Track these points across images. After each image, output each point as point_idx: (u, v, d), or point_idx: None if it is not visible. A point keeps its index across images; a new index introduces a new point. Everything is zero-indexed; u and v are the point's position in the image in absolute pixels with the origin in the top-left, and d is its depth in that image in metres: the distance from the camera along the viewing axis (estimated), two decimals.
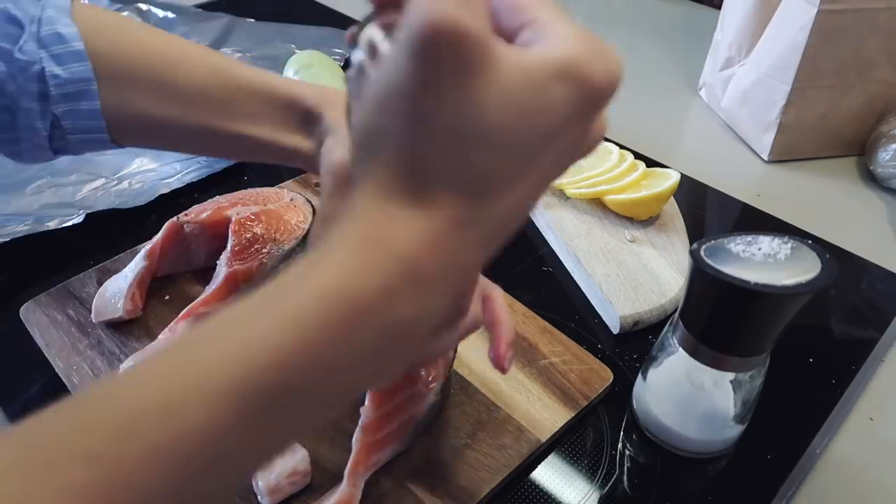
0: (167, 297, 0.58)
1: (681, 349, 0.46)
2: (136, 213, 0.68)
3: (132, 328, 0.56)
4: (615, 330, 0.59)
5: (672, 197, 0.69)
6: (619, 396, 0.54)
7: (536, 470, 0.49)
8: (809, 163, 0.82)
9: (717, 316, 0.43)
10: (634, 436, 0.52)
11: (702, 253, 0.42)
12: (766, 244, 0.42)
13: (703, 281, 0.42)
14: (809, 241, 0.42)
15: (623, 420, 0.53)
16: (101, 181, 0.72)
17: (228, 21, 1.03)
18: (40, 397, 0.52)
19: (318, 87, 0.46)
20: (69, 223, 0.65)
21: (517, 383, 0.52)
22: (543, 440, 0.49)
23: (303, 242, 0.59)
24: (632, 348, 0.58)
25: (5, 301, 0.59)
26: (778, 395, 0.51)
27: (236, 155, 0.55)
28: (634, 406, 0.52)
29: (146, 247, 0.58)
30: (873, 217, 0.75)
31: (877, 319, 0.62)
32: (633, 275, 0.62)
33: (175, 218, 0.59)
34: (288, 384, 0.22)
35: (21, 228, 0.64)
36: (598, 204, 0.69)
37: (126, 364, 0.52)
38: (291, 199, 0.62)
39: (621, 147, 0.73)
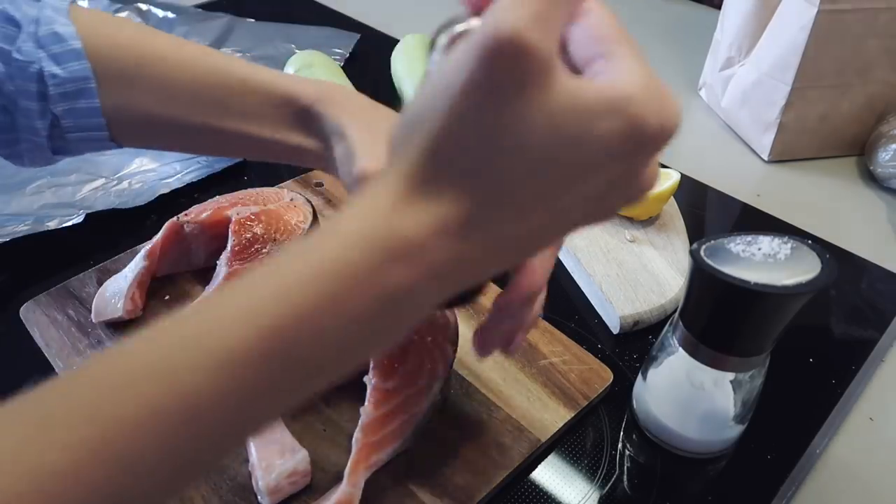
0: (167, 297, 0.58)
1: (681, 349, 0.46)
2: (136, 213, 0.68)
3: (132, 328, 0.56)
4: (615, 330, 0.59)
5: (672, 197, 0.69)
6: (619, 396, 0.54)
7: (536, 470, 0.49)
8: (809, 163, 0.82)
9: (717, 316, 0.43)
10: (634, 436, 0.52)
11: (702, 253, 0.42)
12: (766, 244, 0.42)
13: (703, 281, 0.42)
14: (809, 241, 0.42)
15: (623, 420, 0.53)
16: (101, 181, 0.72)
17: (228, 21, 1.03)
18: None
19: (317, 83, 0.46)
20: (69, 223, 0.65)
21: (517, 383, 0.52)
22: (543, 440, 0.49)
23: None
24: (632, 348, 0.58)
25: (5, 301, 0.59)
26: (778, 395, 0.51)
27: (238, 153, 0.55)
28: (634, 406, 0.52)
29: (146, 247, 0.58)
30: (873, 217, 0.75)
31: (877, 319, 0.62)
32: (633, 275, 0.62)
33: (175, 218, 0.59)
34: (284, 351, 0.23)
35: (21, 228, 0.64)
36: None
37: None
38: (291, 199, 0.62)
39: None
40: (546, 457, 0.50)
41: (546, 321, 0.57)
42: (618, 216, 0.68)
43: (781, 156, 0.82)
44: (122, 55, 0.45)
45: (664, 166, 0.72)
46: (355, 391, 0.48)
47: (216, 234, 0.59)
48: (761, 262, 0.41)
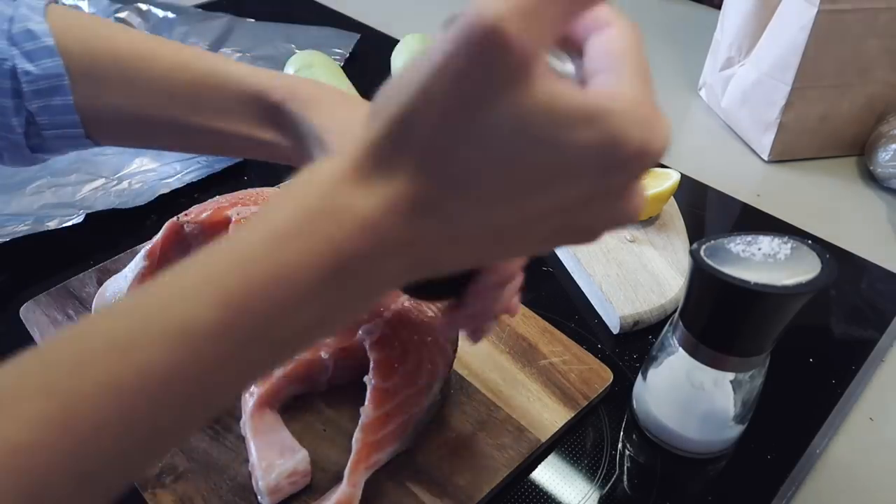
0: None
1: (681, 349, 0.46)
2: (136, 213, 0.68)
3: None
4: (615, 330, 0.59)
5: (672, 197, 0.69)
6: (619, 396, 0.54)
7: (536, 470, 0.49)
8: (809, 163, 0.82)
9: (717, 316, 0.43)
10: (634, 436, 0.52)
11: (702, 253, 0.42)
12: (766, 244, 0.42)
13: (703, 281, 0.42)
14: (809, 241, 0.42)
15: (623, 420, 0.53)
16: (101, 181, 0.72)
17: (228, 21, 1.03)
18: None
19: (286, 79, 0.45)
20: (69, 223, 0.65)
21: (517, 383, 0.52)
22: (543, 440, 0.49)
23: None
24: (632, 348, 0.58)
25: (5, 301, 0.59)
26: (778, 395, 0.51)
27: (210, 150, 0.55)
28: (634, 406, 0.52)
29: (146, 247, 0.58)
30: (873, 217, 0.75)
31: (877, 319, 0.62)
32: (633, 275, 0.62)
33: (175, 218, 0.59)
34: (239, 322, 0.23)
35: (21, 228, 0.64)
36: None
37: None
38: None
39: None
40: (546, 457, 0.50)
41: (546, 321, 0.57)
42: None
43: (781, 156, 0.82)
44: (95, 53, 0.45)
45: (664, 166, 0.72)
46: (355, 391, 0.48)
47: (216, 234, 0.58)
48: (761, 262, 0.41)
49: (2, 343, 0.56)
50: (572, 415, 0.50)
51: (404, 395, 0.47)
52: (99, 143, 0.48)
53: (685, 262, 0.63)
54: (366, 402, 0.46)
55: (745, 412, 0.48)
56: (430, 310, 0.51)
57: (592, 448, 0.50)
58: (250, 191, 0.63)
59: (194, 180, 0.72)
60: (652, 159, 0.23)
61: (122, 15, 0.99)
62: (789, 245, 0.42)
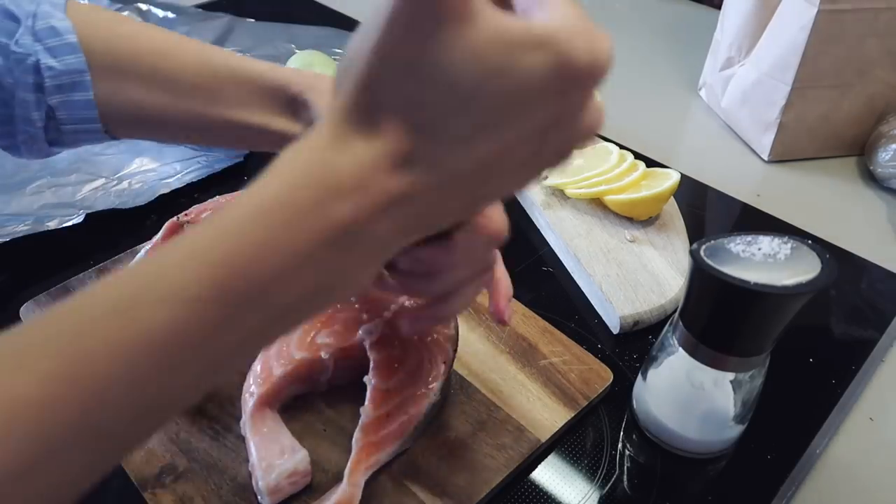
0: None
1: (681, 349, 0.46)
2: (136, 213, 0.68)
3: None
4: (615, 330, 0.59)
5: (672, 197, 0.69)
6: (619, 396, 0.54)
7: (536, 470, 0.49)
8: (809, 163, 0.82)
9: (717, 316, 0.43)
10: (634, 436, 0.52)
11: (702, 253, 0.42)
12: (766, 244, 0.42)
13: (703, 281, 0.42)
14: (809, 241, 0.42)
15: (623, 420, 0.53)
16: (101, 181, 0.72)
17: (228, 21, 1.03)
18: None
19: (305, 73, 0.47)
20: (69, 223, 0.65)
21: (517, 383, 0.52)
22: (543, 440, 0.49)
23: None
24: (632, 348, 0.58)
25: (5, 301, 0.59)
26: (778, 395, 0.51)
27: (228, 142, 0.56)
28: (634, 406, 0.52)
29: (146, 247, 0.58)
30: (873, 217, 0.75)
31: (877, 319, 0.62)
32: (633, 275, 0.62)
33: (175, 218, 0.59)
34: (237, 287, 0.24)
35: (21, 228, 0.64)
36: (598, 204, 0.69)
37: None
38: None
39: (621, 147, 0.73)
40: (546, 457, 0.50)
41: (546, 321, 0.57)
42: (618, 216, 0.68)
43: (781, 156, 0.82)
44: (118, 49, 0.46)
45: (664, 166, 0.72)
46: (355, 391, 0.48)
47: None
48: (761, 262, 0.41)
49: None
50: (572, 415, 0.50)
51: (404, 396, 0.47)
52: (116, 137, 0.49)
53: (685, 262, 0.63)
54: (366, 402, 0.46)
55: (745, 412, 0.48)
56: None
57: (592, 448, 0.50)
58: None
59: (194, 180, 0.72)
60: (601, 72, 0.25)
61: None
62: (789, 245, 0.42)
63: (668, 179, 0.67)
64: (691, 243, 0.60)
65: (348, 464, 0.44)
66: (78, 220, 0.65)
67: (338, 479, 0.45)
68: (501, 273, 0.44)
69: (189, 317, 0.24)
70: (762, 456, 0.50)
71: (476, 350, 0.55)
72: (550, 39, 0.23)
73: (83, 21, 0.46)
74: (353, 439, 0.45)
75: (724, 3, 0.87)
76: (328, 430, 0.49)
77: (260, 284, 0.24)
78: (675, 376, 0.48)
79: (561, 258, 0.66)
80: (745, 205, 0.75)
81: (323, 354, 0.49)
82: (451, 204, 0.27)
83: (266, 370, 0.49)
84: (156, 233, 0.59)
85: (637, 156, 0.72)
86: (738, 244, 0.42)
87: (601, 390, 0.52)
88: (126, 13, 1.00)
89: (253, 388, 0.48)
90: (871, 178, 0.79)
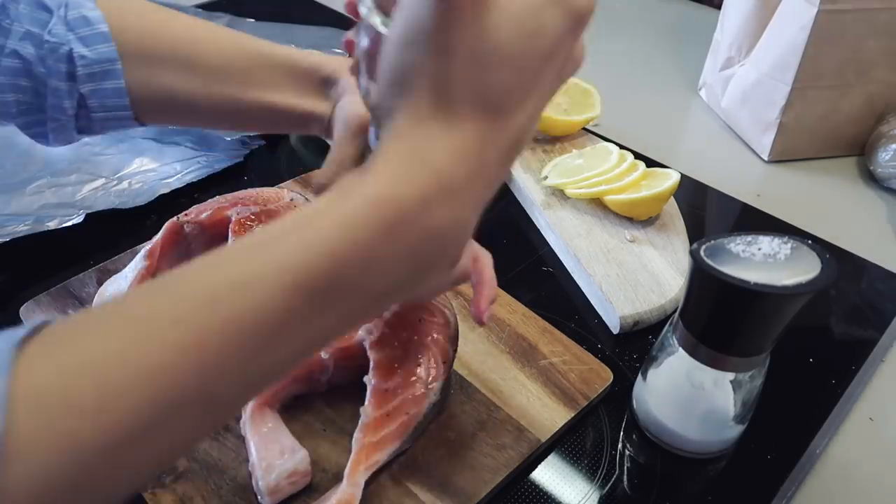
0: None
1: (681, 349, 0.46)
2: (136, 213, 0.68)
3: None
4: (615, 330, 0.59)
5: (672, 197, 0.69)
6: (619, 396, 0.54)
7: (536, 470, 0.49)
8: (809, 163, 0.82)
9: (717, 316, 0.43)
10: (634, 436, 0.52)
11: (702, 253, 0.42)
12: (766, 244, 0.42)
13: (703, 281, 0.42)
14: (809, 241, 0.42)
15: (623, 420, 0.53)
16: (101, 181, 0.72)
17: (228, 21, 1.03)
18: None
19: (331, 57, 0.49)
20: (69, 223, 0.65)
21: (517, 383, 0.52)
22: (543, 440, 0.49)
23: None
24: (632, 348, 0.58)
25: (5, 301, 0.59)
26: (778, 395, 0.51)
27: (258, 126, 0.58)
28: (634, 406, 0.52)
29: (146, 247, 0.58)
30: (873, 217, 0.75)
31: (877, 319, 0.62)
32: (633, 275, 0.62)
33: (175, 218, 0.59)
34: (340, 277, 0.26)
35: (21, 228, 0.64)
36: (598, 204, 0.69)
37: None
38: (291, 199, 0.62)
39: (621, 147, 0.73)
40: (546, 457, 0.50)
41: (546, 321, 0.57)
42: (618, 216, 0.68)
43: (781, 156, 0.82)
44: (153, 36, 0.47)
45: (664, 166, 0.72)
46: (355, 391, 0.48)
47: (216, 234, 0.58)
48: (761, 262, 0.41)
49: None
50: (572, 415, 0.50)
51: (404, 396, 0.47)
52: (145, 124, 0.50)
53: (685, 262, 0.63)
54: (366, 402, 0.46)
55: (745, 412, 0.48)
56: (429, 309, 0.52)
57: (592, 448, 0.50)
58: (250, 191, 0.63)
59: (194, 180, 0.72)
60: (593, 7, 0.28)
61: None
62: (789, 245, 0.42)
63: (668, 179, 0.67)
64: (691, 243, 0.60)
65: (348, 464, 0.44)
66: (78, 220, 0.65)
67: (338, 479, 0.45)
68: (489, 276, 0.45)
69: (299, 301, 0.26)
70: (762, 456, 0.50)
71: (476, 350, 0.55)
72: None
73: (114, 10, 0.47)
74: (353, 439, 0.45)
75: (724, 3, 0.87)
76: (328, 430, 0.49)
77: (366, 275, 0.27)
78: (675, 376, 0.48)
79: (561, 258, 0.66)
80: (745, 205, 0.75)
81: (323, 354, 0.49)
82: (511, 161, 0.30)
83: None
84: (156, 233, 0.59)
85: (637, 156, 0.72)
86: (738, 244, 0.42)
87: (601, 390, 0.52)
88: None
89: None
90: (871, 178, 0.79)
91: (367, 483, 0.45)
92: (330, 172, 0.43)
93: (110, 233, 0.66)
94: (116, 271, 0.58)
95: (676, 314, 0.46)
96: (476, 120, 0.27)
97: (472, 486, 0.46)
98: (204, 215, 0.59)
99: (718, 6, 0.88)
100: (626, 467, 0.50)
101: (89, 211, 0.66)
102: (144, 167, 0.74)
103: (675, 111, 0.93)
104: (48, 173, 0.72)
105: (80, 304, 0.57)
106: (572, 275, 0.65)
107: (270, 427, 0.47)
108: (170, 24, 0.48)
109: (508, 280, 0.61)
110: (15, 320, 0.56)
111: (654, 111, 0.92)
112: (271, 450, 0.45)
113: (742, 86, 0.83)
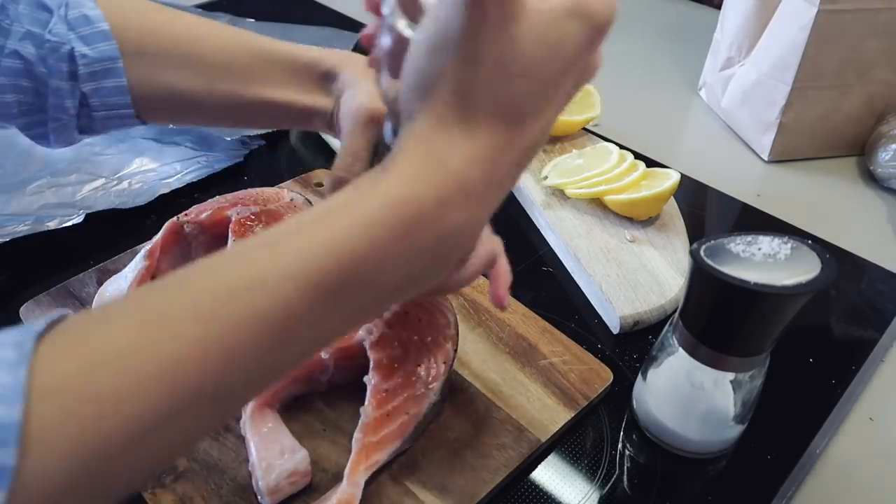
0: None
1: (681, 349, 0.46)
2: (136, 213, 0.68)
3: None
4: (615, 330, 0.59)
5: (672, 197, 0.69)
6: (619, 396, 0.54)
7: (536, 470, 0.49)
8: (809, 163, 0.82)
9: (717, 316, 0.43)
10: (634, 436, 0.52)
11: (702, 253, 0.42)
12: (766, 244, 0.42)
13: (703, 281, 0.42)
14: (809, 241, 0.42)
15: (623, 420, 0.53)
16: (101, 181, 0.72)
17: (228, 21, 1.03)
18: None
19: (331, 51, 0.49)
20: (69, 223, 0.65)
21: (517, 383, 0.52)
22: (543, 440, 0.49)
23: None
24: (632, 348, 0.58)
25: (5, 301, 0.59)
26: (778, 395, 0.51)
27: (260, 122, 0.58)
28: (634, 406, 0.52)
29: (146, 247, 0.58)
30: (873, 217, 0.75)
31: (877, 319, 0.62)
32: (633, 275, 0.62)
33: (175, 218, 0.59)
34: (358, 276, 0.27)
35: (21, 228, 0.64)
36: (598, 204, 0.69)
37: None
38: (291, 199, 0.62)
39: (621, 147, 0.73)
40: (546, 457, 0.50)
41: (546, 321, 0.57)
42: (618, 216, 0.68)
43: (781, 156, 0.82)
44: (150, 34, 0.47)
45: (664, 166, 0.72)
46: (355, 391, 0.48)
47: (216, 234, 0.59)
48: (761, 262, 0.41)
49: None
50: (572, 415, 0.50)
51: (404, 396, 0.47)
52: (146, 122, 0.50)
53: (685, 262, 0.63)
54: (366, 402, 0.46)
55: (745, 412, 0.48)
56: (429, 309, 0.52)
57: (592, 448, 0.50)
58: (250, 191, 0.63)
59: (194, 180, 0.72)
60: (613, 19, 0.28)
61: None
62: (789, 245, 0.42)
63: (668, 179, 0.67)
64: (691, 243, 0.60)
65: (348, 464, 0.44)
66: (78, 220, 0.65)
67: (338, 479, 0.45)
68: (503, 263, 0.46)
69: (313, 298, 0.26)
70: (762, 456, 0.50)
71: (476, 350, 0.55)
72: (579, 5, 0.27)
73: (114, 9, 0.47)
74: (353, 439, 0.45)
75: (724, 3, 0.87)
76: (328, 430, 0.49)
77: (378, 274, 0.28)
78: (675, 376, 0.48)
79: (561, 258, 0.66)
80: (745, 205, 0.75)
81: (323, 354, 0.49)
82: (524, 166, 0.31)
83: None
84: (156, 233, 0.59)
85: (637, 156, 0.72)
86: (738, 244, 0.42)
87: (601, 390, 0.52)
88: None
89: None
90: (871, 178, 0.79)
91: (367, 483, 0.45)
92: (345, 165, 0.43)
93: (110, 233, 0.66)
94: (116, 271, 0.58)
95: (676, 314, 0.46)
96: (496, 127, 0.28)
97: (472, 486, 0.46)
98: (204, 215, 0.59)
99: (718, 6, 0.88)
100: (626, 467, 0.50)
101: (89, 211, 0.66)
102: (144, 167, 0.74)
103: (675, 111, 0.93)
104: (48, 173, 0.72)
105: (81, 304, 0.57)
106: (572, 275, 0.65)
107: (270, 427, 0.47)
108: (171, 23, 0.48)
109: None
110: (15, 320, 0.56)
111: (654, 111, 0.92)
112: (271, 450, 0.45)
113: (742, 86, 0.83)
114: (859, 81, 0.77)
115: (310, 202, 0.62)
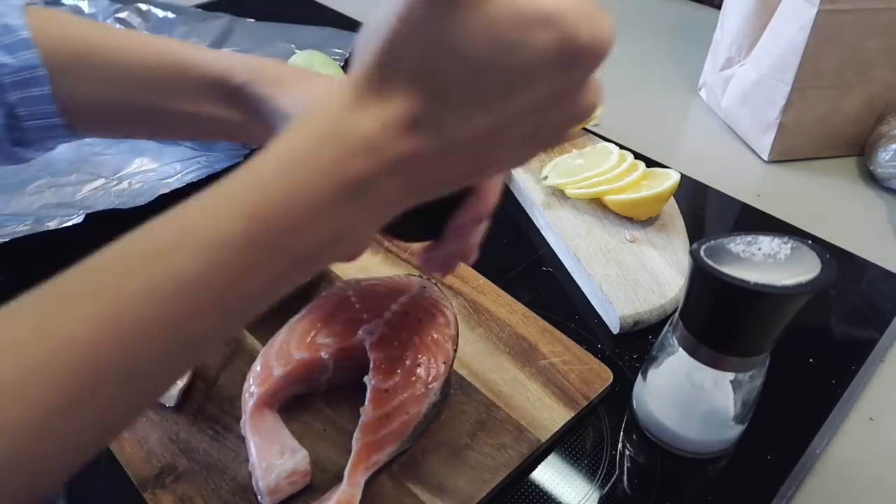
0: None
1: (681, 349, 0.46)
2: (136, 213, 0.68)
3: None
4: (615, 330, 0.59)
5: (672, 197, 0.69)
6: (619, 396, 0.54)
7: (536, 470, 0.49)
8: (809, 163, 0.82)
9: (717, 316, 0.43)
10: (634, 436, 0.52)
11: (702, 253, 0.42)
12: (766, 244, 0.42)
13: (703, 281, 0.42)
14: (809, 241, 0.42)
15: (623, 420, 0.53)
16: (101, 181, 0.72)
17: (228, 21, 1.03)
18: None
19: (250, 60, 0.47)
20: (69, 223, 0.65)
21: (517, 383, 0.52)
22: (543, 440, 0.49)
23: None
24: (632, 348, 0.58)
25: (5, 301, 0.58)
26: (778, 395, 0.51)
27: (185, 134, 0.57)
28: (634, 406, 0.52)
29: None
30: (873, 217, 0.75)
31: (877, 319, 0.62)
32: (633, 275, 0.62)
33: None
34: (261, 234, 0.26)
35: (21, 228, 0.64)
36: (598, 204, 0.69)
37: None
38: None
39: (621, 147, 0.73)
40: (546, 457, 0.50)
41: (546, 321, 0.57)
42: (618, 216, 0.68)
43: (781, 156, 0.82)
44: (71, 45, 0.47)
45: (664, 166, 0.72)
46: (355, 391, 0.48)
47: None
48: (761, 262, 0.41)
49: None
50: (572, 415, 0.50)
51: (404, 396, 0.47)
52: (78, 134, 0.49)
53: (685, 262, 0.63)
54: (366, 402, 0.46)
55: (745, 412, 0.48)
56: (429, 310, 0.52)
57: (592, 448, 0.50)
58: None
59: (194, 180, 0.72)
60: (603, 51, 0.26)
61: (122, 15, 0.99)
62: (789, 245, 0.42)
63: (668, 179, 0.67)
64: (691, 243, 0.60)
65: (348, 464, 0.44)
66: (78, 220, 0.65)
67: (338, 479, 0.45)
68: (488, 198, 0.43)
69: (219, 263, 0.26)
70: (762, 456, 0.50)
71: (476, 350, 0.55)
72: (557, 17, 0.25)
73: (37, 22, 0.46)
74: (353, 439, 0.45)
75: (724, 3, 0.87)
76: (328, 430, 0.49)
77: (281, 233, 0.27)
78: (675, 376, 0.48)
79: (561, 258, 0.66)
80: (745, 205, 0.75)
81: (323, 354, 0.49)
82: (453, 169, 0.30)
83: (266, 370, 0.49)
84: None
85: (637, 156, 0.72)
86: (738, 244, 0.42)
87: (601, 390, 0.52)
88: (126, 13, 1.00)
89: (253, 388, 0.48)
90: (871, 178, 0.79)
91: (367, 483, 0.45)
92: None
93: (110, 233, 0.66)
94: None
95: (676, 314, 0.46)
96: (411, 99, 0.27)
97: (472, 486, 0.46)
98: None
99: (718, 6, 0.88)
100: (626, 467, 0.50)
101: (89, 211, 0.66)
102: (144, 167, 0.74)
103: (675, 111, 0.93)
104: (48, 173, 0.72)
105: None
106: (572, 275, 0.65)
107: (270, 427, 0.47)
108: (87, 33, 0.47)
109: (508, 280, 0.61)
110: None
111: (654, 111, 0.92)
112: (271, 450, 0.45)
113: (742, 86, 0.83)
114: (859, 81, 0.77)
115: None
